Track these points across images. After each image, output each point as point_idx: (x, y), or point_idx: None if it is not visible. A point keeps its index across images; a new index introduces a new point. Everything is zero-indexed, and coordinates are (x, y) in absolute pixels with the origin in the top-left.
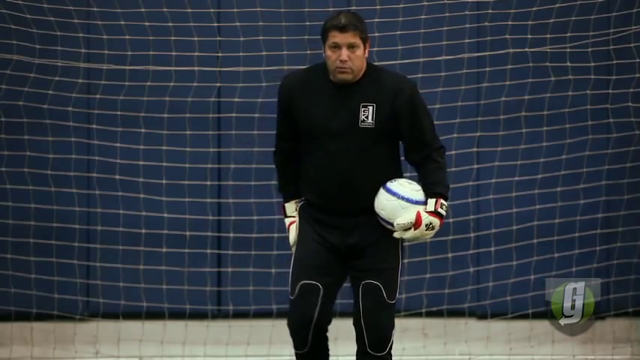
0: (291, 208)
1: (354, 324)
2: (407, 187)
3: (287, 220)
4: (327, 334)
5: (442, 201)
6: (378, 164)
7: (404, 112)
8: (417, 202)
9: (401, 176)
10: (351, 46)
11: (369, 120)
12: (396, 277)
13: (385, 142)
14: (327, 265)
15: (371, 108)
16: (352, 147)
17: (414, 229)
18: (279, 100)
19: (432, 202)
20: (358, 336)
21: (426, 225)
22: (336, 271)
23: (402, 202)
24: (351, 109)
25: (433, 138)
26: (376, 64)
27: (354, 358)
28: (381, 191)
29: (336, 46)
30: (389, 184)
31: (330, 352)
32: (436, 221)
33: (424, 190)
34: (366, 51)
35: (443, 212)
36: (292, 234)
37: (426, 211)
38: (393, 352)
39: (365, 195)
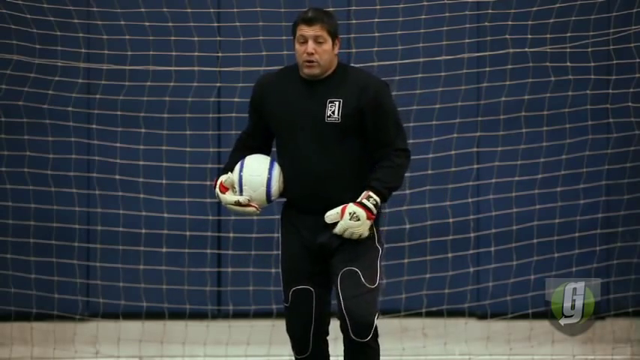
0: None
1: (337, 315)
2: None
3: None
4: (328, 337)
5: (372, 194)
6: (347, 160)
7: (368, 110)
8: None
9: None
10: (318, 40)
11: (335, 115)
12: (375, 263)
13: (353, 139)
14: (314, 267)
15: (337, 103)
16: (320, 142)
17: (341, 219)
18: (251, 100)
19: (362, 194)
20: (341, 324)
21: (350, 214)
22: (323, 272)
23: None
24: (318, 104)
25: (395, 139)
26: (376, 64)
27: None
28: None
29: (303, 40)
30: None
31: (330, 353)
32: (360, 211)
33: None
34: (336, 47)
35: (369, 205)
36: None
37: (353, 202)
38: (392, 351)
39: (336, 191)
